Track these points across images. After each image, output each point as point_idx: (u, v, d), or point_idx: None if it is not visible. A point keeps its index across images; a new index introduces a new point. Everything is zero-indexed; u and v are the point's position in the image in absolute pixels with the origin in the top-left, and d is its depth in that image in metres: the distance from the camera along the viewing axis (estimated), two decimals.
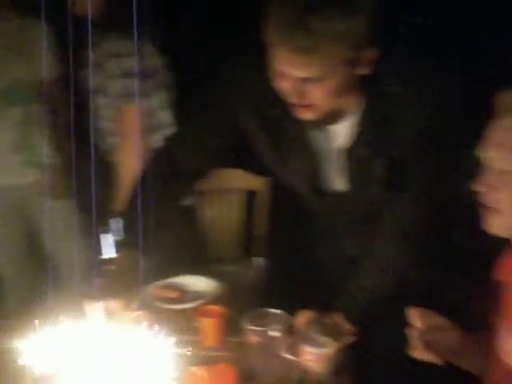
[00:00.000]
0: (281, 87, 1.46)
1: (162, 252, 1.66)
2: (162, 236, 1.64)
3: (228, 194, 2.74)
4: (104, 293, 1.49)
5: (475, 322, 1.43)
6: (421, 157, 1.55)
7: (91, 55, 2.30)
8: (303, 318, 1.64)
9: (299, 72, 1.39)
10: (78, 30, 2.29)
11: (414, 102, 1.50)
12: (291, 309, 1.68)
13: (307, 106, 1.46)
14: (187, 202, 2.36)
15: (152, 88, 2.37)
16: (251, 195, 2.75)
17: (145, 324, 1.58)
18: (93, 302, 1.47)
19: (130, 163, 2.16)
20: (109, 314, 1.46)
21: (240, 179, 2.74)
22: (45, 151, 2.68)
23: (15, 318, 1.57)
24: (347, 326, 1.60)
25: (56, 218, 2.68)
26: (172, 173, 1.68)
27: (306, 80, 1.40)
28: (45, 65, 2.68)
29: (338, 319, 1.62)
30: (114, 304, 1.47)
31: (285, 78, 1.43)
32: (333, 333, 1.52)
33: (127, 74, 2.25)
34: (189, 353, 1.44)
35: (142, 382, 1.40)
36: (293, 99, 1.46)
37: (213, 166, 1.82)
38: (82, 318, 1.46)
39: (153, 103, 2.37)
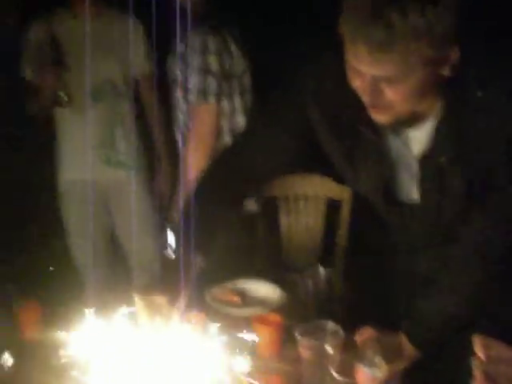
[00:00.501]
0: (356, 86, 1.37)
1: (219, 255, 1.61)
2: (221, 239, 1.58)
3: (310, 202, 2.66)
4: (153, 289, 1.45)
5: None
6: (505, 170, 1.41)
7: (179, 47, 2.30)
8: (364, 335, 1.54)
9: (374, 70, 1.29)
10: (169, 22, 2.31)
11: (499, 109, 1.37)
12: (355, 324, 1.58)
13: (382, 108, 1.37)
14: (251, 207, 2.31)
15: (235, 89, 2.34)
16: (337, 204, 2.65)
17: (197, 325, 1.56)
18: (142, 296, 1.44)
19: (196, 162, 2.13)
20: (155, 310, 1.43)
21: (324, 187, 2.65)
22: (127, 150, 2.72)
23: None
24: (409, 349, 1.48)
25: (133, 214, 2.70)
26: (235, 174, 1.62)
27: (382, 79, 1.30)
28: (137, 62, 2.72)
29: (402, 340, 1.50)
30: (161, 300, 1.43)
31: (360, 76, 1.34)
32: (392, 354, 1.41)
33: (210, 72, 2.23)
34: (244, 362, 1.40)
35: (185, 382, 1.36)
36: (367, 99, 1.36)
37: (281, 169, 1.74)
38: (131, 313, 1.44)
39: (232, 105, 2.34)
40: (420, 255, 1.72)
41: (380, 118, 1.40)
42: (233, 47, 2.31)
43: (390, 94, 1.33)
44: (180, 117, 2.40)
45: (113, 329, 1.43)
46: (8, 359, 1.36)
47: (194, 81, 2.23)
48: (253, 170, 1.61)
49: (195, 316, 1.63)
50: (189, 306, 1.48)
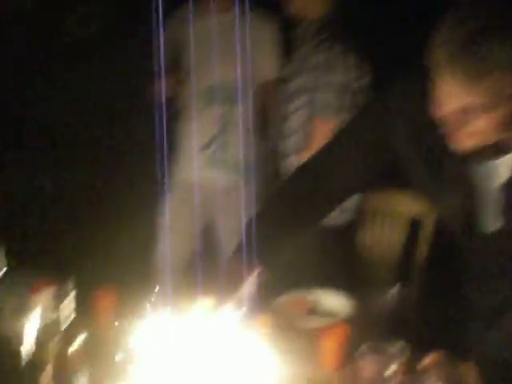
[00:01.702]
0: (441, 114, 1.36)
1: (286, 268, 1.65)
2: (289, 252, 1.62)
3: (394, 219, 2.63)
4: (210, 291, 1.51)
5: None
6: None
7: (314, 58, 2.33)
8: (430, 359, 1.52)
9: (462, 100, 1.28)
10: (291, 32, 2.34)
11: None
12: (423, 348, 1.56)
13: (467, 136, 1.35)
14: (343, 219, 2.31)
15: (352, 105, 2.34)
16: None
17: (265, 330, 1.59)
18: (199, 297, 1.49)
19: None
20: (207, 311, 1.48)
21: (409, 205, 2.61)
22: (236, 155, 2.68)
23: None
24: (475, 380, 1.45)
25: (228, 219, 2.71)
26: (318, 187, 1.64)
27: (470, 109, 1.29)
28: (263, 65, 2.66)
29: (468, 370, 1.47)
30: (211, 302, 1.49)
31: (447, 105, 1.32)
32: (457, 383, 1.39)
33: (348, 89, 2.26)
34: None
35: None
36: (452, 127, 1.35)
37: (361, 187, 1.74)
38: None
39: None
40: (497, 284, 1.68)
41: (464, 145, 1.38)
42: (362, 67, 2.33)
43: (476, 124, 1.31)
44: (292, 127, 2.41)
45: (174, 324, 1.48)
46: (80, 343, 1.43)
47: (328, 95, 2.25)
48: (332, 187, 1.63)
49: (260, 322, 1.67)
50: (253, 312, 1.53)
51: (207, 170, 2.69)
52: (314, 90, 2.29)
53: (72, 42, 3.38)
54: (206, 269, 1.65)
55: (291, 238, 1.64)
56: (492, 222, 1.53)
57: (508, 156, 1.42)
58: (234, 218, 2.64)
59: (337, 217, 2.38)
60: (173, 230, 2.78)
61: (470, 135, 1.34)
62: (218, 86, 2.58)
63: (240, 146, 2.69)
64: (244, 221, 2.54)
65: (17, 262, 2.01)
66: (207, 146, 2.67)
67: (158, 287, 1.58)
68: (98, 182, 3.41)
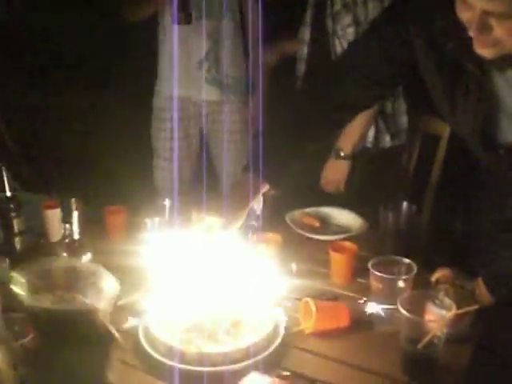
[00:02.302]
0: (463, 18, 1.29)
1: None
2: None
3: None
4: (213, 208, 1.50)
5: None
6: None
7: None
8: (440, 274, 1.51)
9: (486, 3, 1.21)
10: None
11: None
12: (432, 264, 1.56)
13: (489, 43, 1.29)
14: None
15: None
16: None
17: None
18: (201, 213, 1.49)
19: None
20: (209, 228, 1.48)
21: (422, 121, 2.55)
22: (231, 71, 2.60)
23: None
24: (484, 296, 1.45)
25: (226, 137, 2.68)
26: (329, 97, 1.59)
27: (492, 14, 1.22)
28: None
29: (477, 286, 1.47)
30: (216, 220, 1.48)
31: (469, 9, 1.26)
32: (464, 298, 1.38)
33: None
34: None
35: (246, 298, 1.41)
36: (474, 33, 1.29)
37: (377, 98, 1.69)
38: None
39: None
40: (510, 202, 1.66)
41: (485, 52, 1.31)
42: None
43: (499, 30, 1.24)
44: (338, 47, 2.29)
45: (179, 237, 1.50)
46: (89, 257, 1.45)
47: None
48: (346, 99, 1.58)
49: (270, 237, 1.67)
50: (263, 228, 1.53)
51: (202, 88, 2.59)
52: (365, 4, 2.20)
53: None
54: (206, 187, 1.64)
55: (299, 154, 1.61)
56: (510, 135, 1.49)
57: None
58: (231, 137, 2.66)
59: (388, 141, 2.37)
60: (173, 149, 2.71)
61: (489, 43, 1.28)
62: None
63: (236, 63, 2.60)
64: (241, 139, 2.59)
65: (28, 185, 2.03)
66: (201, 62, 2.58)
67: (163, 205, 1.59)
68: (101, 105, 3.37)
